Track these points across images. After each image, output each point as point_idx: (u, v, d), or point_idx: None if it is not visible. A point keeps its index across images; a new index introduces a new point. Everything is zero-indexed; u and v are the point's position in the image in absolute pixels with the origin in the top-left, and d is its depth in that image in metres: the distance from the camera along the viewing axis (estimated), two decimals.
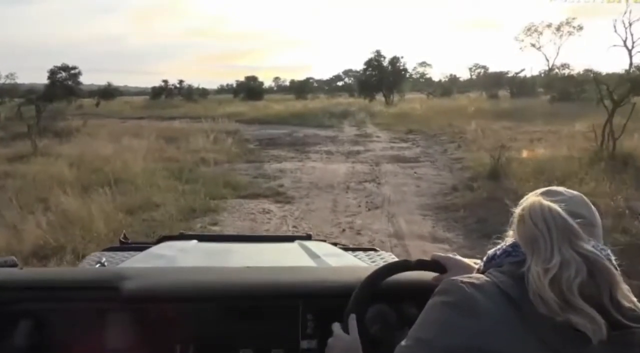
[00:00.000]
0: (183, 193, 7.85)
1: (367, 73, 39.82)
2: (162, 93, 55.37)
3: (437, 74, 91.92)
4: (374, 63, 39.43)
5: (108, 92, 58.81)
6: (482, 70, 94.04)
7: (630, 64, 56.66)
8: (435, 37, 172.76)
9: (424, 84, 61.16)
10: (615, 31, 56.38)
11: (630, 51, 54.14)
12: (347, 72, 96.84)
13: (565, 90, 31.06)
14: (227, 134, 18.09)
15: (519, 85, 43.76)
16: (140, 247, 2.21)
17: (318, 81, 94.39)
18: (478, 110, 24.66)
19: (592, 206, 0.96)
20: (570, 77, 33.66)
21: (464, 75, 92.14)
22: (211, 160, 11.84)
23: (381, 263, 1.64)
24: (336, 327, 1.16)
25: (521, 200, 0.94)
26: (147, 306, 1.33)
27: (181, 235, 2.52)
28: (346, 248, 2.39)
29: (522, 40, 57.50)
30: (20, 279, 1.39)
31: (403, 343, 0.89)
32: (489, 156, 10.70)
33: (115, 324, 1.32)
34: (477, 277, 0.90)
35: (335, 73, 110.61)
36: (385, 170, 10.71)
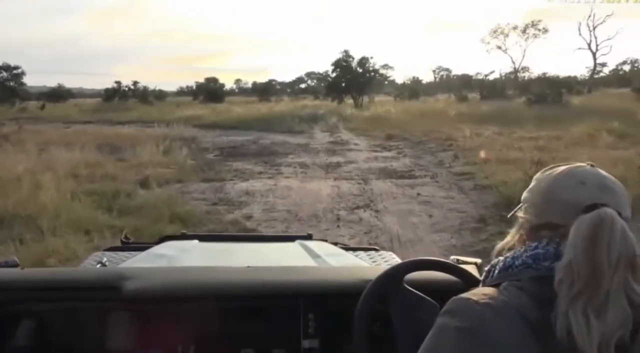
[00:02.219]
0: (104, 237, 5.43)
1: (336, 74, 37.68)
2: (115, 95, 51.77)
3: (399, 77, 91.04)
4: (342, 64, 37.38)
5: (58, 94, 54.90)
6: (446, 73, 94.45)
7: (595, 66, 57.49)
8: (396, 39, 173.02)
9: (388, 87, 59.87)
10: (580, 34, 56.79)
11: (594, 54, 54.66)
12: (310, 75, 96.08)
13: (541, 92, 30.01)
14: (182, 142, 15.62)
15: (489, 88, 43.01)
16: (142, 247, 2.18)
17: (280, 83, 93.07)
18: (458, 114, 22.97)
19: None
20: (546, 79, 32.72)
21: (426, 77, 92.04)
22: (159, 178, 9.42)
23: (382, 263, 1.79)
24: None
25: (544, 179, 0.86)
26: (149, 306, 1.34)
27: (182, 235, 2.52)
28: (347, 248, 2.34)
29: (488, 42, 57.15)
30: (21, 279, 1.39)
31: None
32: (505, 171, 8.78)
33: (116, 324, 1.32)
34: (493, 297, 0.77)
35: (297, 75, 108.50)
36: (379, 189, 8.58)
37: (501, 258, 0.87)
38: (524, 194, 0.90)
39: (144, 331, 1.32)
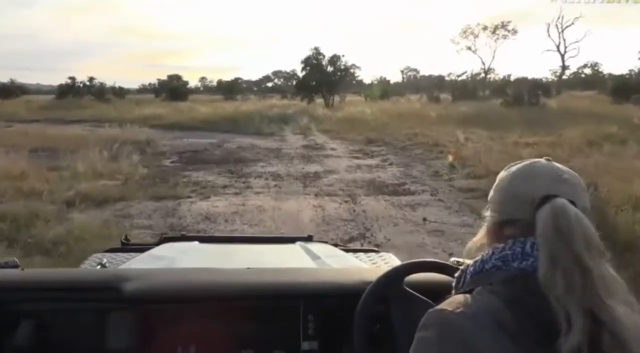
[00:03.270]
0: None
1: (305, 73, 35.88)
2: (69, 92, 48.46)
3: (367, 77, 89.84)
4: (312, 62, 35.60)
5: (8, 90, 51.16)
6: (414, 73, 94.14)
7: (563, 68, 57.73)
8: (362, 39, 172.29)
9: (356, 87, 58.58)
10: (549, 36, 56.83)
11: (562, 56, 54.81)
12: (277, 73, 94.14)
13: (517, 94, 29.13)
14: (135, 146, 13.64)
15: (461, 89, 42.23)
16: (142, 249, 2.18)
17: (247, 82, 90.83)
18: (438, 116, 21.63)
19: None
20: (523, 81, 31.94)
21: (394, 78, 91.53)
22: (97, 194, 7.52)
23: (382, 265, 1.79)
24: None
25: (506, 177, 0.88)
26: (148, 307, 1.33)
27: (182, 236, 2.56)
28: (347, 250, 2.32)
29: (458, 43, 56.55)
30: (21, 280, 1.40)
31: None
32: None
33: (116, 325, 1.31)
34: (467, 304, 0.78)
35: (264, 74, 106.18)
36: (373, 211, 6.93)
37: (470, 262, 0.88)
38: (490, 193, 0.91)
39: (144, 332, 1.31)
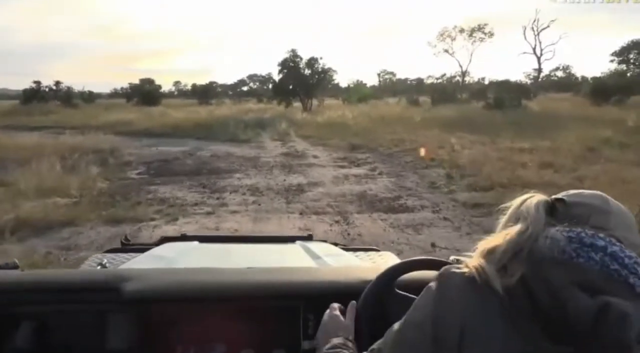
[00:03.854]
0: None
1: (282, 75, 34.76)
2: (35, 96, 46.27)
3: (342, 80, 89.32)
4: (290, 64, 34.53)
5: None
6: (390, 77, 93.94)
7: (539, 71, 57.99)
8: (337, 42, 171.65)
9: (332, 90, 57.74)
10: (525, 39, 56.93)
11: (539, 58, 55.01)
12: (252, 77, 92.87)
13: (498, 97, 28.60)
14: (97, 155, 12.37)
15: (440, 92, 41.78)
16: (142, 249, 2.17)
17: (222, 86, 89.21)
18: (422, 120, 20.82)
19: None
20: (505, 83, 31.48)
21: (370, 81, 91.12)
22: (38, 217, 6.31)
23: (382, 264, 1.72)
24: (335, 305, 1.16)
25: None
26: (148, 307, 1.33)
27: (182, 236, 2.50)
28: (347, 249, 2.31)
29: (435, 46, 56.30)
30: (21, 281, 1.38)
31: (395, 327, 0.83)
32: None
33: (116, 326, 1.31)
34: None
35: (239, 78, 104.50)
36: (369, 234, 5.90)
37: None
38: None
39: (144, 332, 1.31)
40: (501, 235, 0.76)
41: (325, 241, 2.49)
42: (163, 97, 60.36)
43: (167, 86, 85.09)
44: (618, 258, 0.70)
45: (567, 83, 63.52)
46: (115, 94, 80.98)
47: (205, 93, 57.45)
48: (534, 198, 0.79)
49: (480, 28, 53.75)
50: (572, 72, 76.07)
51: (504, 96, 28.76)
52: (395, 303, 1.17)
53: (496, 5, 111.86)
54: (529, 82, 56.97)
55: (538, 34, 52.12)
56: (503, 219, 0.82)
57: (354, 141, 15.41)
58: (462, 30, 54.15)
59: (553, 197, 0.80)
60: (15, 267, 1.49)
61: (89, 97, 58.30)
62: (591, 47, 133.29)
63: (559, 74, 78.02)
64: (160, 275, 1.43)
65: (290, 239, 2.37)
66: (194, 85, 76.16)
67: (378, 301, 1.19)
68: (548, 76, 74.93)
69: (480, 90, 36.07)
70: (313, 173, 10.47)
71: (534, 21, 51.99)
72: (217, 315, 1.34)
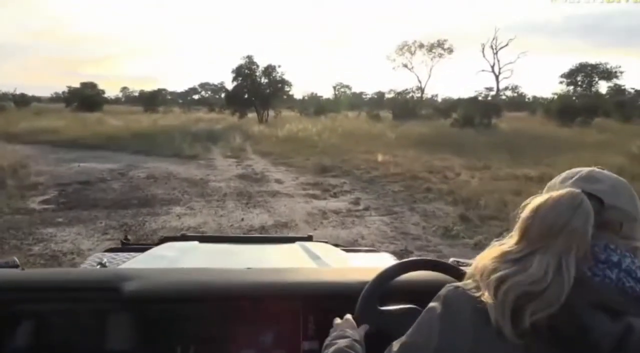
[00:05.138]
0: None
1: (237, 83, 32.04)
2: None
3: (297, 92, 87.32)
4: (245, 71, 31.88)
5: None
6: (345, 90, 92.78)
7: (498, 89, 57.98)
8: (292, 55, 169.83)
9: (287, 102, 55.64)
10: (484, 56, 56.68)
11: (497, 76, 54.92)
12: (204, 85, 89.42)
13: (467, 115, 27.15)
14: None
15: (401, 107, 40.37)
16: (142, 248, 2.15)
17: (172, 93, 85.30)
18: (395, 137, 18.75)
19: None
20: (475, 100, 30.17)
21: (325, 93, 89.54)
22: None
23: (381, 265, 1.66)
24: (349, 318, 1.14)
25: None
26: (148, 307, 1.32)
27: (182, 236, 2.50)
28: (347, 250, 2.30)
29: (394, 60, 55.21)
30: (21, 280, 1.37)
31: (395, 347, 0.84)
32: None
33: (116, 325, 1.29)
34: (478, 286, 0.77)
35: (190, 86, 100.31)
36: None
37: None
38: None
39: (144, 332, 1.28)
40: None
41: (325, 242, 2.46)
42: (107, 103, 56.13)
43: (114, 92, 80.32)
44: (632, 273, 0.71)
45: (518, 102, 64.09)
46: (55, 98, 75.72)
47: (152, 100, 53.66)
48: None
49: (439, 44, 53.20)
50: (521, 92, 77.38)
51: (473, 114, 27.41)
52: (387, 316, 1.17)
53: (456, 22, 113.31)
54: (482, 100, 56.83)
55: (497, 52, 52.07)
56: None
57: (323, 161, 13.01)
58: (421, 46, 53.42)
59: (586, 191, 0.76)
60: (16, 265, 1.48)
61: (22, 100, 53.31)
62: (539, 68, 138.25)
63: (508, 93, 79.24)
64: (160, 275, 1.41)
65: (290, 240, 2.37)
66: (141, 92, 71.89)
67: (377, 301, 1.18)
68: (496, 95, 75.81)
69: (451, 106, 34.65)
70: (279, 206, 7.98)
71: (493, 39, 51.80)
72: (217, 315, 1.33)
